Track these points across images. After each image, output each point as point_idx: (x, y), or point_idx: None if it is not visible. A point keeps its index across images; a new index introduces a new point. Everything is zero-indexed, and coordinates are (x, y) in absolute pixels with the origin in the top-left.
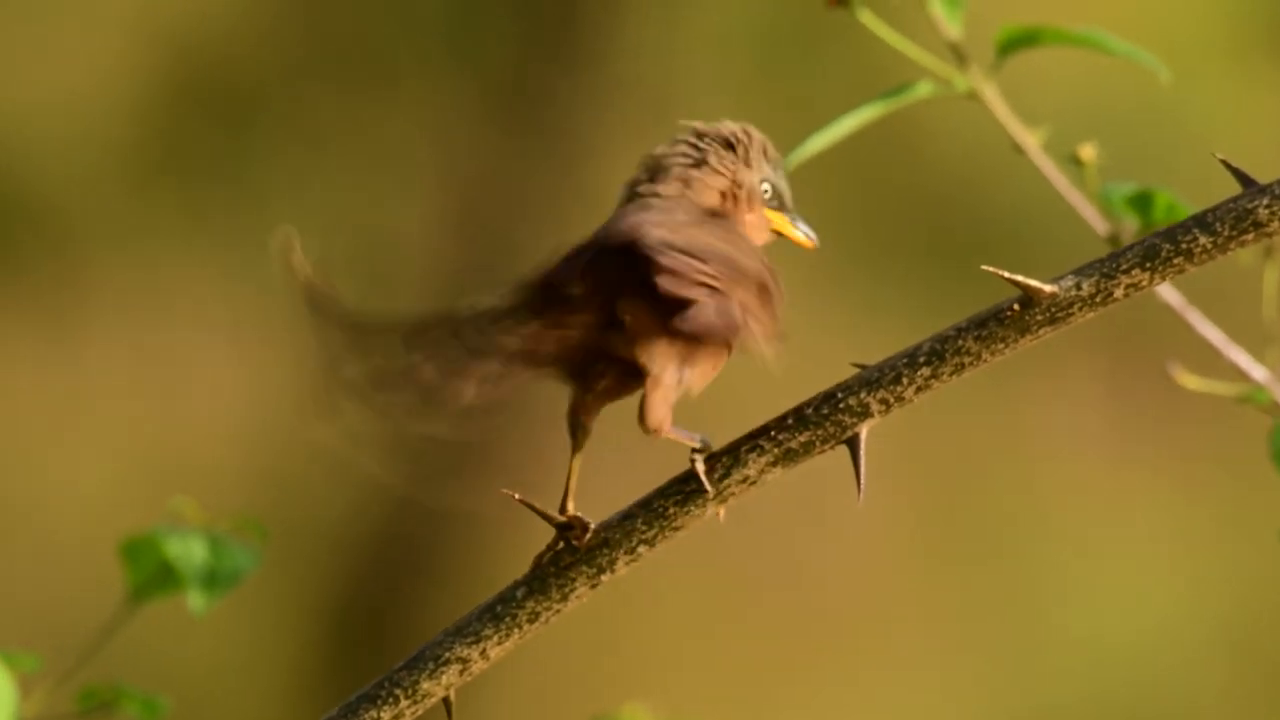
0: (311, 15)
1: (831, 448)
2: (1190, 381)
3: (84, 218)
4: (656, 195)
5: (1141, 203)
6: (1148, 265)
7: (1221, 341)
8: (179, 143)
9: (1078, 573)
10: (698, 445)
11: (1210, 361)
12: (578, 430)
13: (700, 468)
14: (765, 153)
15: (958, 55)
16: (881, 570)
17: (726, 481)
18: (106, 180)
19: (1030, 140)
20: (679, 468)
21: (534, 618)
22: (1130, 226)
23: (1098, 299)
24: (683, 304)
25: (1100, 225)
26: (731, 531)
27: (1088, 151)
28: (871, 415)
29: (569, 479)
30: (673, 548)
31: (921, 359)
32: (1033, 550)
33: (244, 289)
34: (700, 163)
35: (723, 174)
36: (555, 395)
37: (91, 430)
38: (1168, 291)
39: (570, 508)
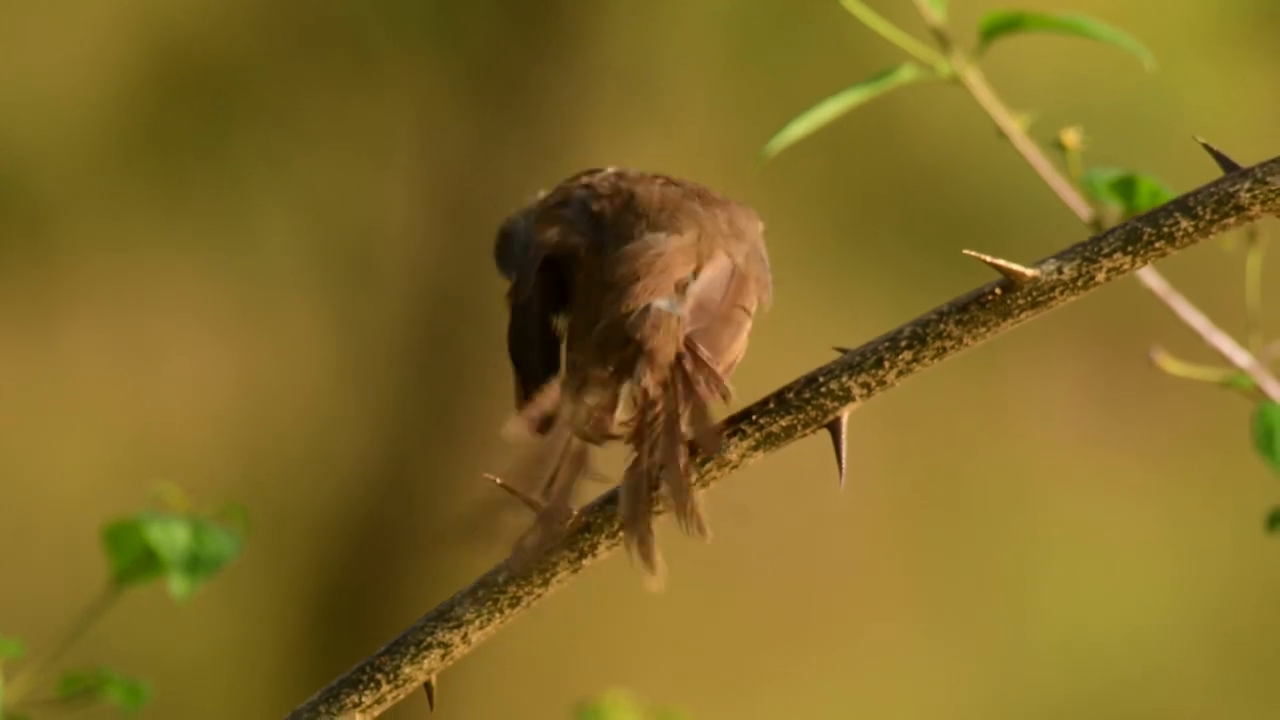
0: None
1: (813, 431)
2: (1174, 367)
3: (61, 201)
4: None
5: (1125, 188)
6: (1129, 249)
7: (1205, 327)
8: (157, 126)
9: (1062, 558)
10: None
11: (1194, 347)
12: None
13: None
14: None
15: (941, 40)
16: (864, 557)
17: (707, 466)
18: (84, 163)
19: (1013, 126)
20: None
21: (515, 602)
22: (1114, 212)
23: (1079, 283)
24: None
25: (1083, 211)
26: (713, 518)
27: (1071, 137)
28: (853, 399)
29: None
30: (656, 534)
31: (903, 343)
32: (1017, 536)
33: (225, 273)
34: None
35: None
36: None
37: (72, 415)
38: (1151, 277)
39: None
